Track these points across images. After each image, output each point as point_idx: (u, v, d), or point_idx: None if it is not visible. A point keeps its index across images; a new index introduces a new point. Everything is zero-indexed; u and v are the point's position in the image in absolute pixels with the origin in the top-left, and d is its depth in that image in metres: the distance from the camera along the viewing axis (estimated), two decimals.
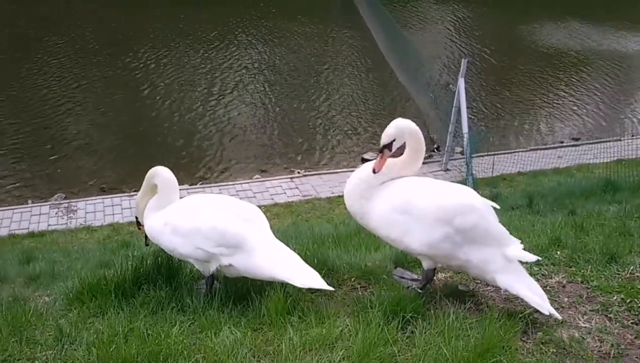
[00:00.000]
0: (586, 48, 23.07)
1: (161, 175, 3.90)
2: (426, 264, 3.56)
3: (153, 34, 21.35)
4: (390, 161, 3.58)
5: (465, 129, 12.31)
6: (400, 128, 3.54)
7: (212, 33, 21.84)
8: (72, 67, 18.57)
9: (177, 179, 3.95)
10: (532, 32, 24.44)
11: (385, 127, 3.59)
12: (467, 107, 12.83)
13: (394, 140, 3.54)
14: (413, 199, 3.43)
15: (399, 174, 3.60)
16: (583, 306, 3.55)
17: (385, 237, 3.58)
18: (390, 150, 3.55)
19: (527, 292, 3.33)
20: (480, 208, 3.43)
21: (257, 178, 13.31)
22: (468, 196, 3.50)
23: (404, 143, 3.60)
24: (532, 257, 3.43)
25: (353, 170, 4.55)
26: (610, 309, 3.50)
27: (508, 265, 3.39)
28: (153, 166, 3.95)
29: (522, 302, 3.56)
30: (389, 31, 20.17)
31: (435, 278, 3.78)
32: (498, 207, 3.52)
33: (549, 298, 3.50)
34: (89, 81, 17.83)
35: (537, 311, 3.33)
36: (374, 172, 3.53)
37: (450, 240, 3.35)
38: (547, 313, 3.30)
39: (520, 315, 3.33)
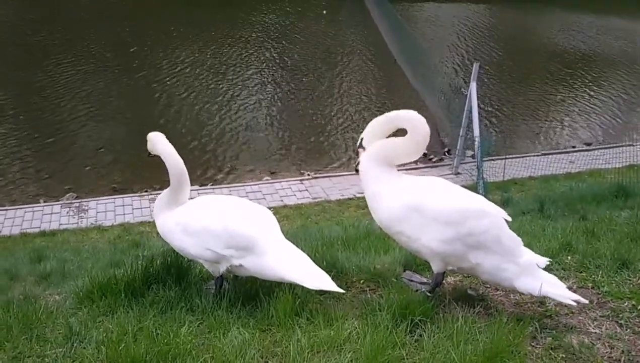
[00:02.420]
0: (599, 50, 22.93)
1: (176, 163, 3.87)
2: (436, 267, 3.53)
3: (166, 38, 21.46)
4: (391, 143, 3.58)
5: (476, 132, 12.26)
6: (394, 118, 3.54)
7: (225, 32, 21.92)
8: (85, 69, 18.72)
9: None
10: (544, 32, 24.31)
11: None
12: (478, 111, 12.78)
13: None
14: (427, 198, 3.40)
15: (398, 160, 3.59)
16: (593, 312, 3.52)
17: (398, 234, 3.51)
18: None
19: (550, 289, 3.30)
20: (493, 214, 3.41)
21: (266, 179, 13.32)
22: (482, 202, 3.49)
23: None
24: (543, 260, 3.41)
25: None
26: (620, 315, 3.47)
27: (522, 269, 3.36)
28: (163, 167, 3.91)
29: (532, 308, 3.54)
30: (398, 32, 20.16)
31: (444, 282, 3.76)
32: (510, 219, 3.49)
33: (558, 304, 3.48)
34: (101, 84, 17.96)
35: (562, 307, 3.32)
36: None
37: (462, 241, 3.33)
38: (575, 303, 3.29)
39: (530, 320, 3.30)
